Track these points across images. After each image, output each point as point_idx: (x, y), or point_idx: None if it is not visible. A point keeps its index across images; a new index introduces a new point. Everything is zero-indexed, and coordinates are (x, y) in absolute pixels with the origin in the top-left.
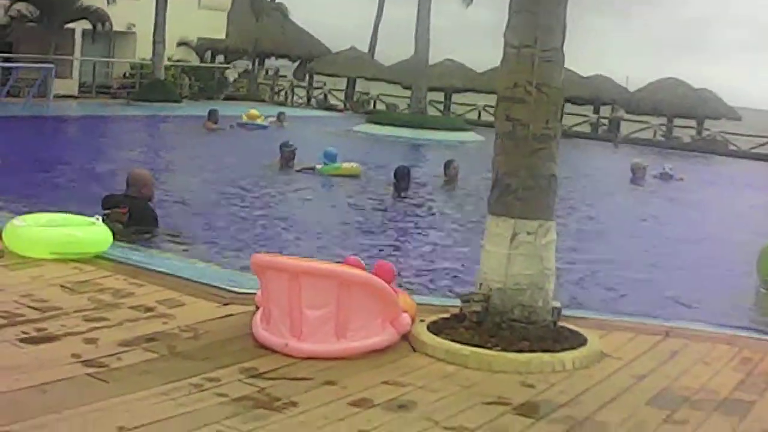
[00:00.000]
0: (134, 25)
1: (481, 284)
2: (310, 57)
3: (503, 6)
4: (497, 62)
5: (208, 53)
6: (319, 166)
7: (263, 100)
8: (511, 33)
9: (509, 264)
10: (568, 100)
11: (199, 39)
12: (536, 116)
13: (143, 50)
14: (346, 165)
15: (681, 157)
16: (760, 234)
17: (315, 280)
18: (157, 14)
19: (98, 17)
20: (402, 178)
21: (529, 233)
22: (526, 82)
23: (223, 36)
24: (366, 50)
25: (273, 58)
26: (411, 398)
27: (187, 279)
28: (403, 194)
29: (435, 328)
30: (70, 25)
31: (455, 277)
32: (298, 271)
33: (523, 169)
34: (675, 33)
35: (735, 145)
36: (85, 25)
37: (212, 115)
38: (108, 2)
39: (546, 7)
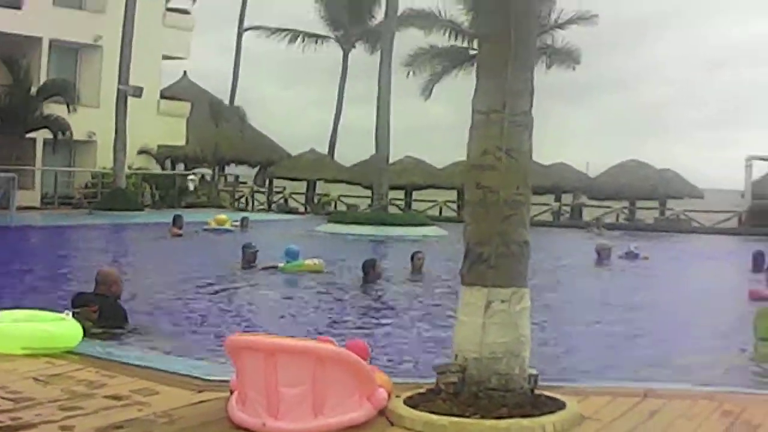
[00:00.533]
0: (95, 134)
1: (456, 355)
2: (270, 162)
3: (461, 104)
4: (457, 158)
5: (168, 161)
6: (281, 264)
7: (224, 207)
8: (479, 99)
9: (484, 333)
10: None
11: (159, 146)
12: (506, 182)
13: (104, 159)
14: (308, 261)
15: (646, 238)
16: (723, 300)
17: (291, 357)
18: (117, 122)
19: (59, 126)
20: (369, 270)
21: (503, 301)
22: (495, 148)
23: (182, 143)
24: (326, 152)
25: (233, 165)
26: None
27: (160, 369)
28: (371, 285)
29: (412, 402)
30: (31, 135)
31: (428, 356)
32: (274, 349)
33: (495, 236)
34: (636, 116)
35: (699, 222)
36: (46, 134)
37: (177, 221)
38: (69, 111)
39: (514, 71)
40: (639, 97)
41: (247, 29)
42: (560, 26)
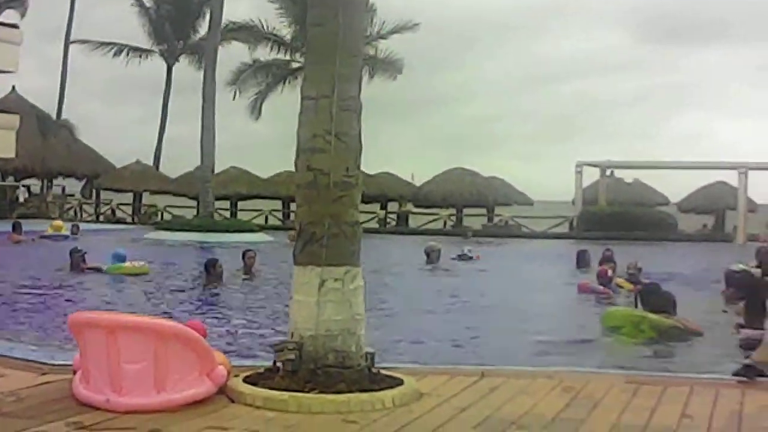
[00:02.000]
0: None
1: (293, 333)
2: (96, 174)
3: (285, 120)
4: (280, 168)
5: None
6: (105, 267)
7: (53, 218)
8: (309, 85)
9: (319, 311)
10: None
11: None
12: (336, 164)
13: None
14: (132, 264)
15: (475, 243)
16: (553, 293)
17: (131, 333)
18: None
19: None
20: (210, 269)
21: (336, 280)
22: (324, 131)
23: (12, 155)
24: (151, 163)
25: (60, 178)
26: None
27: (2, 355)
28: (212, 281)
29: (251, 380)
30: None
31: (261, 343)
32: (115, 325)
33: (327, 217)
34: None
35: (528, 228)
36: None
37: (16, 228)
38: None
39: (342, 57)
40: (466, 111)
41: (73, 42)
42: (383, 36)
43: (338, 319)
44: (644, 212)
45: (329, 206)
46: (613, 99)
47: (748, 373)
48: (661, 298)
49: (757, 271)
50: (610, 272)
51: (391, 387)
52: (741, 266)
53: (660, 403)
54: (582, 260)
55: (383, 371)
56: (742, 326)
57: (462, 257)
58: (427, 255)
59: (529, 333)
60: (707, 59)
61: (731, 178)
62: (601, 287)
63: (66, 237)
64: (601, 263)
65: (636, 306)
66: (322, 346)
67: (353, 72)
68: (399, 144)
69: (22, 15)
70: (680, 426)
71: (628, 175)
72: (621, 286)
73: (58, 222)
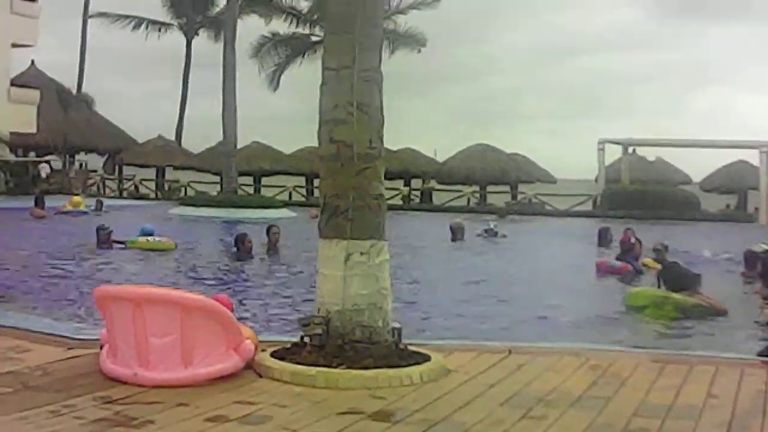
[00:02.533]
0: None
1: (319, 308)
2: (118, 150)
3: (306, 94)
4: (303, 144)
5: (20, 149)
6: (130, 239)
7: (76, 194)
8: (329, 56)
9: (346, 285)
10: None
11: (11, 133)
12: (359, 136)
13: None
14: (153, 239)
15: (502, 221)
16: (575, 270)
17: (158, 307)
18: None
19: None
20: (240, 245)
21: (362, 253)
22: (346, 102)
23: (34, 130)
24: (173, 139)
25: (82, 153)
26: (265, 413)
27: (30, 330)
28: (243, 256)
29: (278, 355)
30: None
31: (288, 317)
32: (141, 298)
33: (351, 189)
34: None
35: (551, 206)
36: None
37: (39, 203)
38: None
39: (362, 27)
40: (487, 86)
41: (91, 15)
42: (402, 11)
43: (365, 293)
44: (667, 191)
45: (353, 179)
46: (633, 74)
47: None
48: (683, 276)
49: None
50: (632, 239)
51: (419, 363)
52: (764, 246)
53: (686, 383)
54: (604, 238)
55: (411, 347)
56: (765, 306)
57: (488, 233)
58: (453, 232)
59: (556, 310)
60: (729, 35)
61: (752, 157)
62: (619, 263)
63: (85, 212)
64: (624, 242)
65: (659, 286)
66: (349, 320)
67: (374, 42)
68: (420, 119)
69: None
70: (706, 406)
71: (650, 153)
72: (647, 266)
73: (77, 198)
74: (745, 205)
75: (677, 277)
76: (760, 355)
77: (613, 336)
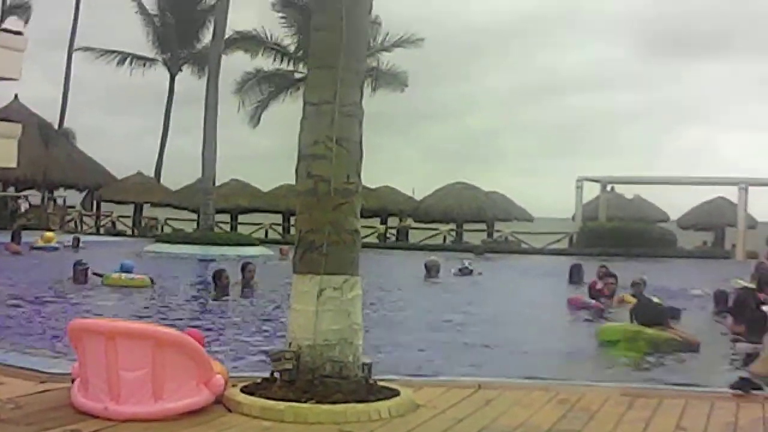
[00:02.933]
0: None
1: (290, 343)
2: (97, 186)
3: (286, 132)
4: (281, 181)
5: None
6: (114, 275)
7: (51, 230)
8: (311, 91)
9: (318, 321)
10: None
11: None
12: (337, 171)
13: None
14: (132, 276)
15: (477, 259)
16: (547, 308)
17: (130, 340)
18: None
19: None
20: (217, 280)
21: (335, 289)
22: (326, 137)
23: (14, 165)
24: (152, 175)
25: (61, 189)
26: None
27: (2, 363)
28: (219, 291)
29: (248, 390)
30: None
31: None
32: (114, 332)
33: (327, 224)
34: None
35: (528, 244)
36: None
37: (15, 238)
38: None
39: (345, 63)
40: (467, 125)
41: (76, 49)
42: (386, 49)
43: (336, 328)
44: (644, 228)
45: (329, 213)
46: (614, 113)
47: (744, 387)
48: (655, 311)
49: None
50: (599, 285)
51: (388, 398)
52: (741, 282)
53: (655, 416)
54: (575, 275)
55: (380, 382)
56: (738, 340)
57: (463, 271)
58: (428, 269)
59: (526, 346)
60: (709, 73)
61: (732, 194)
62: (593, 301)
63: (56, 248)
64: (599, 278)
65: (631, 321)
66: (319, 356)
67: (356, 78)
68: (400, 158)
69: (26, 21)
70: None
71: (628, 191)
72: (625, 301)
73: (49, 233)
74: (723, 241)
75: (650, 312)
76: (731, 387)
77: (582, 371)
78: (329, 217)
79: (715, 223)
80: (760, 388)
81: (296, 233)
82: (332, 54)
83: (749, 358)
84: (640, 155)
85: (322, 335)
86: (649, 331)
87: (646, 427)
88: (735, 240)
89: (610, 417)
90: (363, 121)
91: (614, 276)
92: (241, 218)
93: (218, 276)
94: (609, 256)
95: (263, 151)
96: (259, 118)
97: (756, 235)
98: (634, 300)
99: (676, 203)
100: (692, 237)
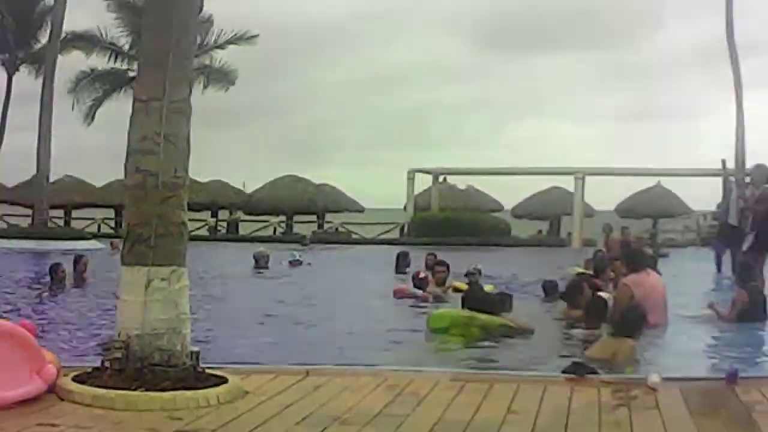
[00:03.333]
0: None
1: (119, 332)
2: None
3: (118, 128)
4: (113, 177)
5: None
6: None
7: None
8: (141, 88)
9: (146, 311)
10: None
11: None
12: (165, 166)
13: None
14: None
15: (304, 250)
16: (374, 297)
17: None
18: None
19: None
20: (53, 273)
21: (162, 279)
22: (154, 133)
23: None
24: None
25: None
26: None
27: None
28: (58, 287)
29: (80, 379)
30: None
31: (91, 344)
32: None
33: (155, 217)
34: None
35: (358, 234)
36: None
37: None
38: None
39: (175, 61)
40: (300, 120)
41: None
42: (219, 46)
43: (164, 318)
44: (477, 218)
45: (157, 207)
46: (453, 105)
47: (578, 371)
48: (486, 299)
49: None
50: (422, 274)
51: (216, 385)
52: (577, 269)
53: (486, 400)
54: (401, 263)
55: (208, 370)
56: (574, 326)
57: (293, 263)
58: (256, 260)
59: (354, 335)
60: (544, 66)
61: (568, 183)
62: (419, 291)
63: None
64: (428, 268)
65: (463, 309)
66: (148, 345)
67: (184, 75)
68: (232, 153)
69: None
70: (506, 421)
71: (462, 182)
72: (457, 289)
73: None
74: (558, 230)
75: (482, 299)
76: (564, 372)
77: (412, 358)
78: (157, 210)
79: (551, 212)
80: (595, 372)
81: (125, 226)
82: (162, 53)
83: (585, 343)
84: (476, 148)
85: (150, 325)
86: (482, 317)
87: (477, 411)
88: (571, 228)
89: (439, 401)
90: (191, 117)
91: (445, 264)
92: (75, 213)
93: (54, 269)
94: (441, 245)
95: (97, 147)
96: (93, 116)
97: (594, 224)
98: (465, 287)
99: (512, 194)
100: (528, 226)
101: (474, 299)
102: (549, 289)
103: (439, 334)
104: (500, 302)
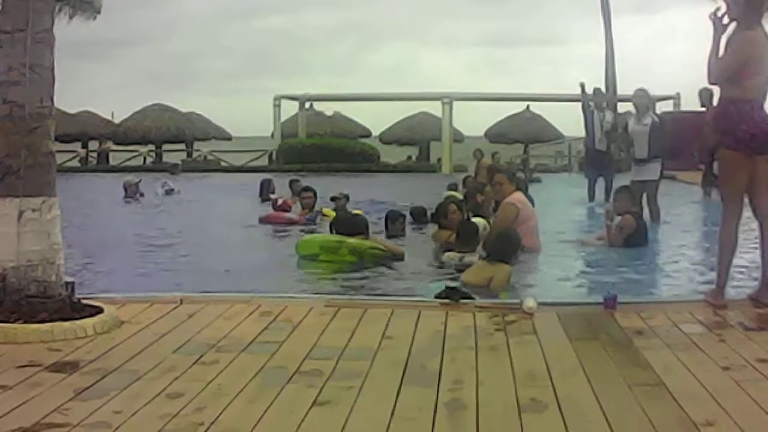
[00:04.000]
0: None
1: None
2: None
3: None
4: None
5: None
6: None
7: None
8: (5, 18)
9: (19, 242)
10: (56, 138)
11: None
12: (31, 96)
13: None
14: None
15: (175, 178)
16: (237, 222)
17: None
18: None
19: None
20: None
21: (34, 210)
22: (20, 64)
23: None
24: None
25: None
26: None
27: None
28: None
29: None
30: None
31: None
32: None
33: (23, 148)
34: (162, 68)
35: (227, 162)
36: None
37: None
38: None
39: None
40: (166, 49)
41: None
42: None
43: (37, 249)
44: (344, 144)
45: (25, 138)
46: (314, 34)
47: (452, 295)
48: (352, 222)
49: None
50: (280, 201)
51: (92, 315)
52: (451, 193)
53: (360, 326)
54: (265, 190)
55: (84, 301)
56: (447, 250)
57: (162, 189)
58: (125, 190)
59: (226, 262)
60: None
61: (436, 109)
62: (286, 215)
63: None
64: (294, 194)
65: (331, 234)
66: (24, 276)
67: (47, 6)
68: (100, 83)
69: None
70: (381, 347)
71: (329, 108)
72: (325, 215)
73: None
74: (428, 156)
75: (350, 223)
76: (437, 297)
77: (284, 285)
78: (25, 141)
79: (419, 138)
80: (470, 297)
81: None
82: None
83: (458, 267)
84: (343, 73)
85: (24, 256)
86: (351, 240)
87: (352, 336)
88: (441, 154)
89: (314, 327)
90: (54, 47)
91: (312, 190)
92: None
93: None
94: (310, 171)
95: None
96: None
97: (464, 149)
98: (333, 213)
99: (379, 120)
100: (397, 152)
101: (342, 223)
102: (417, 215)
103: (309, 260)
104: (367, 224)
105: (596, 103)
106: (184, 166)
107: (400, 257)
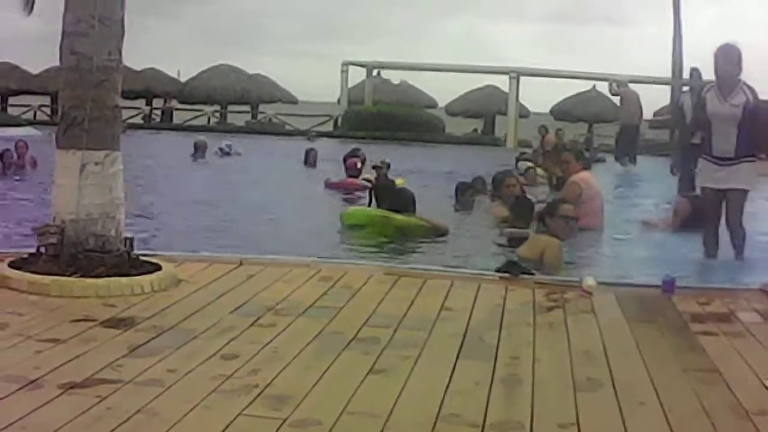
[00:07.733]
0: None
1: (54, 217)
2: None
3: (55, 15)
4: (51, 64)
5: None
6: None
7: None
8: None
9: (80, 195)
10: (121, 94)
11: None
12: (99, 49)
13: None
14: None
15: (238, 138)
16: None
17: None
18: None
19: None
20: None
21: (96, 164)
22: (89, 16)
23: None
24: None
25: None
26: (2, 321)
27: None
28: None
29: (16, 265)
30: None
31: (27, 230)
32: None
33: (89, 101)
34: (229, 27)
35: (292, 126)
36: None
37: None
38: None
39: None
40: (234, 8)
41: None
42: None
43: (98, 203)
44: (410, 113)
45: (91, 90)
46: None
47: (512, 270)
48: (396, 195)
49: None
50: (359, 164)
51: (150, 272)
52: (528, 164)
53: (420, 296)
54: (308, 158)
55: (143, 257)
56: (504, 225)
57: (223, 151)
58: (196, 149)
59: (287, 226)
60: None
61: (502, 83)
62: (350, 180)
63: None
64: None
65: (370, 202)
66: (82, 230)
67: None
68: (167, 40)
69: None
70: (440, 317)
71: (396, 77)
72: (368, 181)
73: None
74: (493, 129)
75: (391, 196)
76: (498, 271)
77: (344, 251)
78: (91, 94)
79: (485, 111)
80: (530, 273)
81: (60, 110)
82: None
83: (515, 242)
84: (408, 42)
85: (84, 210)
86: (397, 217)
87: (411, 305)
88: (506, 128)
89: (373, 294)
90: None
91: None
92: (11, 100)
93: (2, 156)
94: (374, 139)
95: (34, 34)
96: (32, 5)
97: (528, 125)
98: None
99: (445, 90)
100: (462, 124)
101: (385, 191)
102: (477, 187)
103: (356, 231)
104: (414, 200)
105: (692, 87)
106: (248, 128)
107: (444, 233)
